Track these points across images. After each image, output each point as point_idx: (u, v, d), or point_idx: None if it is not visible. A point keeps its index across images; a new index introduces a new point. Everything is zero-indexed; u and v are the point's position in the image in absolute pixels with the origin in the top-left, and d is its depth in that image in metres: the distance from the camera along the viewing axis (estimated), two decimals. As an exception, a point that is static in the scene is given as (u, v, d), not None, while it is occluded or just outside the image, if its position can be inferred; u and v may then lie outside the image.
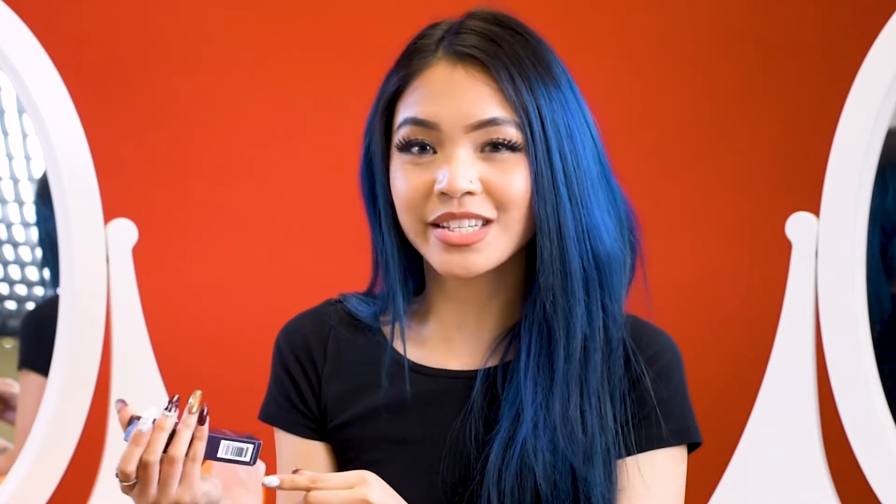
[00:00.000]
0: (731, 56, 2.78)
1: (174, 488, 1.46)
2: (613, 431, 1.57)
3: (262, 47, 2.82)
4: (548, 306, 1.55)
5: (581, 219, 1.56)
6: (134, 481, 1.46)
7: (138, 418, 1.46)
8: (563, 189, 1.55)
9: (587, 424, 1.56)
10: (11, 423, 2.50)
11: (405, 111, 1.57)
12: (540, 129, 1.55)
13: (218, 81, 2.81)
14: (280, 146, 2.83)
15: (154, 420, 1.46)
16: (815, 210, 2.32)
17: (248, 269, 2.84)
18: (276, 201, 2.83)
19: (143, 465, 1.45)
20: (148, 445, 1.45)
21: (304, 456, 1.65)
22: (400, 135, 1.57)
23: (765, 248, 2.67)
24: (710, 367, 2.76)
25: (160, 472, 1.46)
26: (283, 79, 2.82)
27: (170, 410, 1.47)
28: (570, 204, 1.55)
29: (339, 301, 1.68)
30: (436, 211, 1.55)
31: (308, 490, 1.45)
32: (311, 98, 2.81)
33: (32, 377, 2.48)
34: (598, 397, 1.57)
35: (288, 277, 2.81)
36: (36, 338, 2.50)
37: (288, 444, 1.66)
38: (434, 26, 1.61)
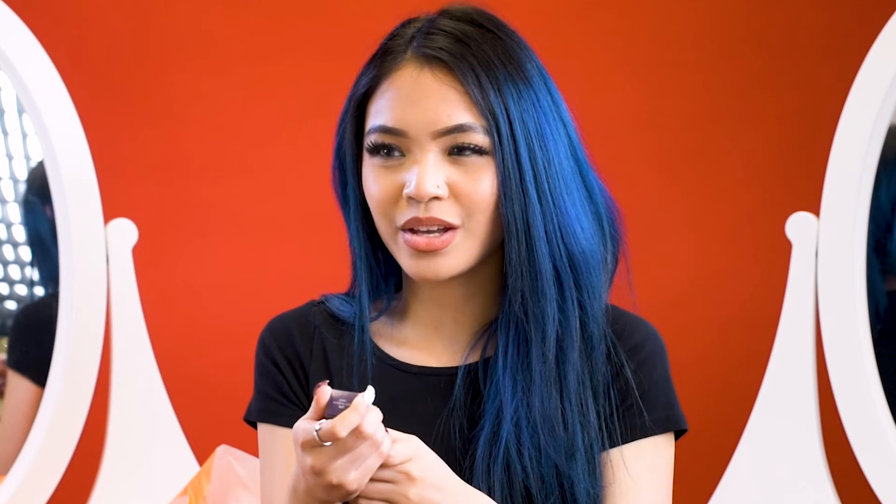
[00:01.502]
0: (731, 56, 2.78)
1: (361, 467, 1.43)
2: (596, 427, 1.57)
3: (262, 47, 2.82)
4: (517, 308, 1.56)
5: (553, 218, 1.55)
6: (328, 444, 1.43)
7: (340, 396, 1.43)
8: (532, 190, 1.54)
9: (568, 422, 1.56)
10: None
11: (374, 117, 1.57)
12: (508, 131, 1.54)
13: (217, 81, 2.81)
14: (280, 146, 2.83)
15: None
16: (815, 210, 2.32)
17: (248, 269, 2.84)
18: (276, 201, 2.83)
19: (357, 433, 1.41)
20: (366, 418, 1.41)
21: None
22: (370, 139, 1.57)
23: (765, 248, 2.67)
24: (711, 366, 2.76)
25: (367, 443, 1.43)
26: (282, 79, 2.82)
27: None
28: (541, 204, 1.55)
29: (322, 302, 1.68)
30: (404, 216, 1.55)
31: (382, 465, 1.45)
32: (311, 98, 2.81)
33: (16, 378, 2.48)
34: (579, 395, 1.57)
35: (288, 278, 2.81)
36: (23, 340, 2.50)
37: (283, 440, 1.65)
38: (407, 24, 1.61)
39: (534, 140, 1.55)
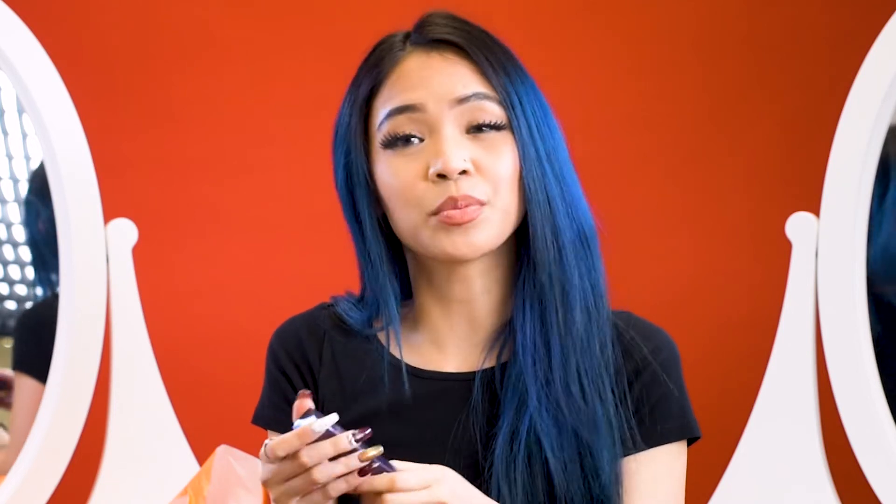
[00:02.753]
0: (731, 56, 2.78)
1: (301, 492, 1.44)
2: (612, 403, 1.57)
3: (262, 47, 2.82)
4: (545, 279, 1.56)
5: (565, 195, 1.58)
6: (276, 465, 1.44)
7: (316, 413, 1.43)
8: (546, 165, 1.57)
9: (587, 396, 1.56)
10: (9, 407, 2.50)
11: (386, 105, 1.57)
12: (520, 106, 1.56)
13: (217, 81, 2.81)
14: (280, 146, 2.82)
15: (329, 429, 1.43)
16: (815, 210, 2.32)
17: (247, 270, 2.84)
18: (276, 201, 2.83)
19: (297, 461, 1.42)
20: (312, 447, 1.42)
21: None
22: (384, 131, 1.57)
23: (765, 248, 2.67)
24: (711, 366, 2.76)
25: (302, 475, 1.43)
26: (282, 79, 2.82)
27: (357, 439, 1.43)
28: (555, 178, 1.57)
29: (332, 305, 1.67)
30: (437, 198, 1.54)
31: (387, 491, 1.44)
32: (311, 98, 2.80)
33: (24, 380, 2.48)
34: (596, 370, 1.57)
35: (288, 278, 2.81)
36: (28, 341, 2.50)
37: None
38: (392, 35, 1.61)
39: (540, 119, 1.58)
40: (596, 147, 2.73)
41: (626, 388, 1.59)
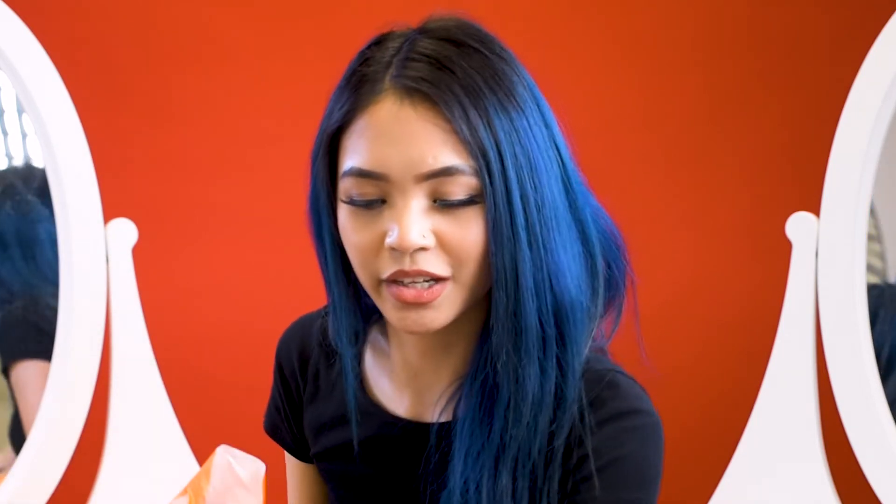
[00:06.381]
0: (731, 56, 2.78)
1: None
2: (546, 496, 1.42)
3: (262, 47, 2.82)
4: (499, 366, 1.41)
5: (543, 266, 1.41)
6: None
7: None
8: (522, 234, 1.39)
9: (517, 493, 1.42)
10: None
11: (350, 157, 1.40)
12: (499, 169, 1.38)
13: (217, 81, 2.81)
14: (280, 146, 2.82)
15: None
16: (815, 210, 2.32)
17: (247, 270, 2.84)
18: (276, 201, 2.83)
19: None
20: None
21: (303, 471, 1.67)
22: (345, 185, 1.41)
23: (765, 248, 2.67)
24: (711, 366, 2.76)
25: None
26: (283, 79, 2.82)
27: None
28: (531, 251, 1.40)
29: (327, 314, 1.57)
30: (387, 269, 1.39)
31: None
32: (311, 98, 2.80)
33: (25, 364, 2.49)
34: (535, 463, 1.42)
35: (287, 278, 2.81)
36: (24, 329, 2.50)
37: (288, 456, 1.67)
38: (382, 41, 1.45)
39: (526, 178, 1.40)
40: (595, 147, 2.73)
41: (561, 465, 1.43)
